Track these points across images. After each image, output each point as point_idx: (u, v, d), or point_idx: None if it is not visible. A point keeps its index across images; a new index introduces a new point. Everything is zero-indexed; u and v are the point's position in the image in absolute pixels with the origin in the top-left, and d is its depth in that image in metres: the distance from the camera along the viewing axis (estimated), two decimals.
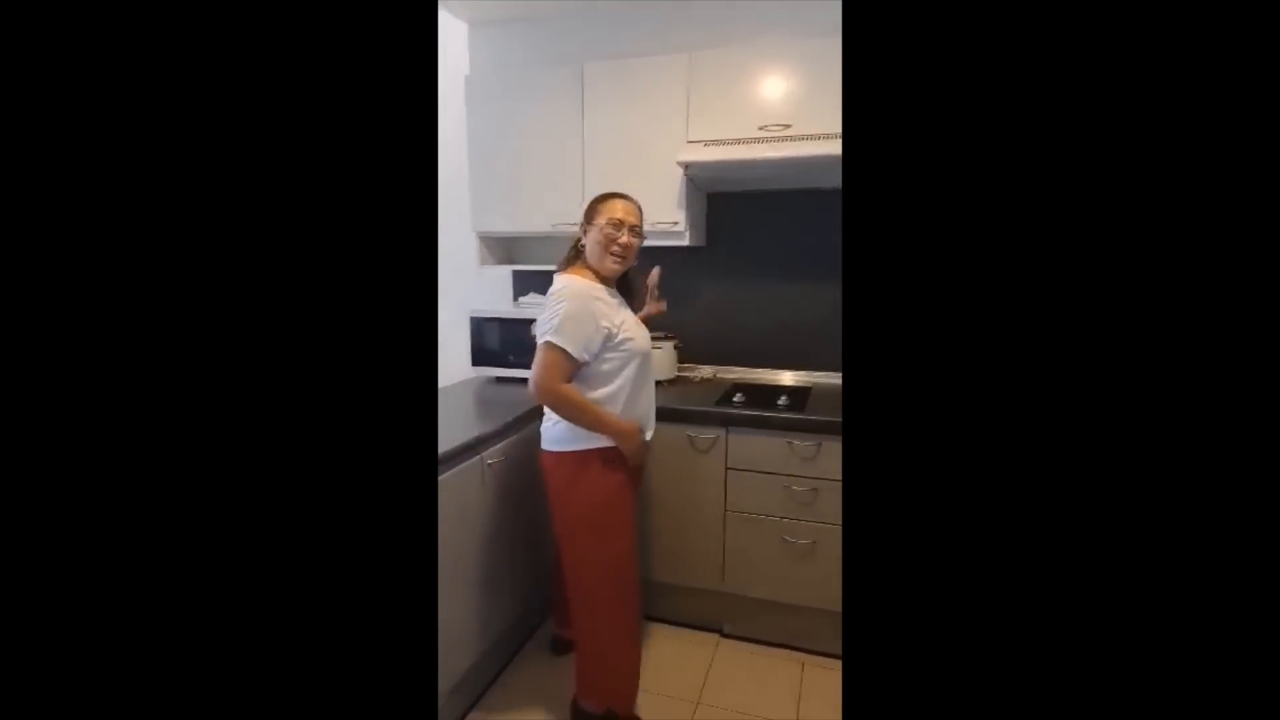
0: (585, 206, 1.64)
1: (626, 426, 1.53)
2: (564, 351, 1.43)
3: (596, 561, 1.59)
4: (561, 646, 2.00)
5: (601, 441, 1.53)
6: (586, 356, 1.47)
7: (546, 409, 1.57)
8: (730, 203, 2.41)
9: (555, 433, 1.58)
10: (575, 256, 1.61)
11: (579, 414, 1.49)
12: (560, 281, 1.54)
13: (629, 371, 1.54)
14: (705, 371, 2.48)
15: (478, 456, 1.71)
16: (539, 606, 2.11)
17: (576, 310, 1.46)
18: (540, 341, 1.45)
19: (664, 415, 2.01)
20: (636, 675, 1.69)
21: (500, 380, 2.44)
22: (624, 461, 1.57)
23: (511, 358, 2.39)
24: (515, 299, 2.70)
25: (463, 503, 1.67)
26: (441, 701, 1.62)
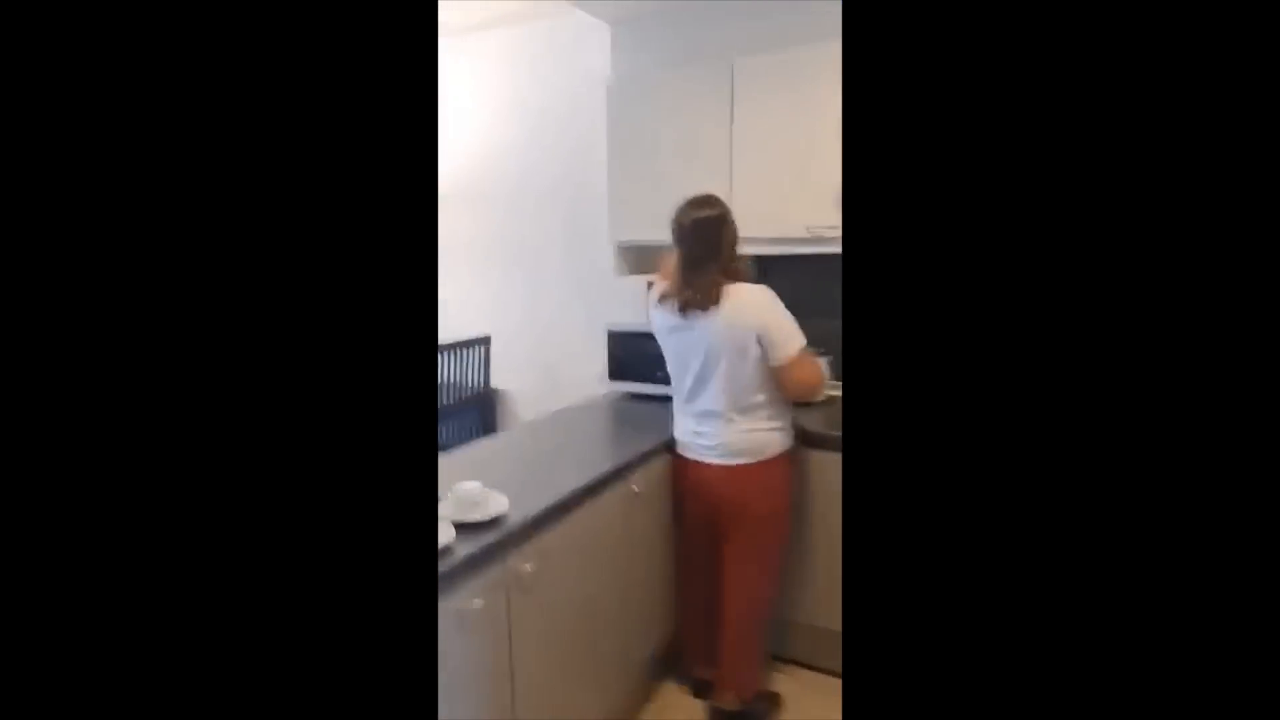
0: (726, 211, 1.60)
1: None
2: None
3: (781, 550, 1.74)
4: (701, 688, 1.84)
5: (789, 438, 1.68)
6: None
7: (719, 422, 1.61)
8: None
9: (757, 441, 1.61)
10: (734, 262, 1.60)
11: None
12: (762, 290, 1.56)
13: None
14: None
15: (624, 483, 1.59)
16: (672, 644, 1.96)
17: (787, 312, 1.56)
18: (796, 350, 1.53)
19: (821, 442, 1.81)
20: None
21: (636, 397, 2.32)
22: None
23: (649, 373, 2.27)
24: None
25: (610, 534, 1.56)
26: None
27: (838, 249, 1.99)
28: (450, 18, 2.84)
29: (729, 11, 2.23)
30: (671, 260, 1.66)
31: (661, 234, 2.22)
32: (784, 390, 1.59)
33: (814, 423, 1.88)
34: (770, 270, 1.67)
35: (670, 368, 1.70)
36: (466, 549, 1.12)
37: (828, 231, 1.96)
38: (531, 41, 2.87)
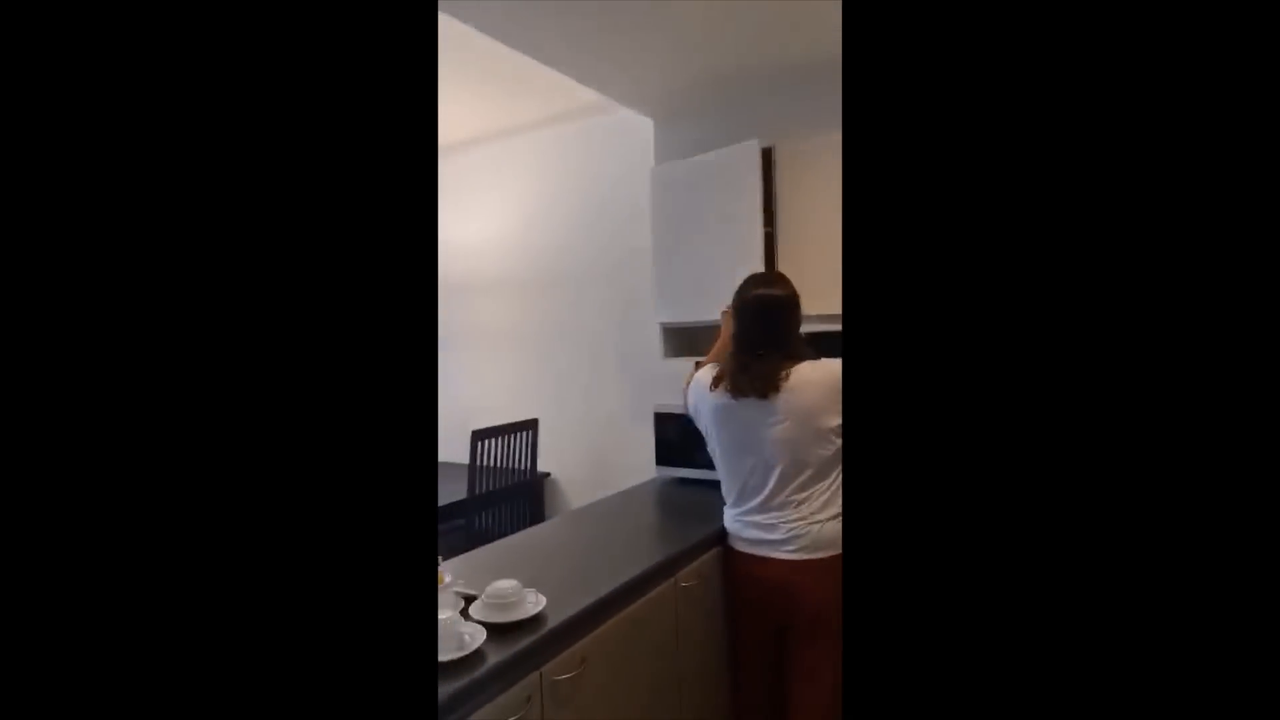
0: (794, 293, 1.52)
1: None
2: None
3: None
4: None
5: None
6: None
7: (791, 511, 1.46)
8: None
9: (839, 529, 1.44)
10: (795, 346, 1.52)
11: None
12: (824, 364, 1.47)
13: None
14: None
15: (672, 578, 1.48)
16: None
17: None
18: None
19: None
20: None
21: (684, 481, 2.23)
22: None
23: (698, 457, 2.19)
24: None
25: (657, 635, 1.44)
26: None
27: None
28: (501, 119, 3.00)
29: (767, 99, 2.28)
30: (728, 327, 1.59)
31: (706, 314, 2.21)
32: None
33: None
34: (820, 347, 1.59)
35: (721, 455, 1.58)
36: (498, 655, 1.04)
37: None
38: (579, 137, 3.00)
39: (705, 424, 1.61)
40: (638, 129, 2.65)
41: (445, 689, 0.94)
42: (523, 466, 2.85)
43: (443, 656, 1.00)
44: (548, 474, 3.14)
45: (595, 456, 3.03)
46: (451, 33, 1.84)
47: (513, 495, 2.82)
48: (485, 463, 2.64)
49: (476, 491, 2.61)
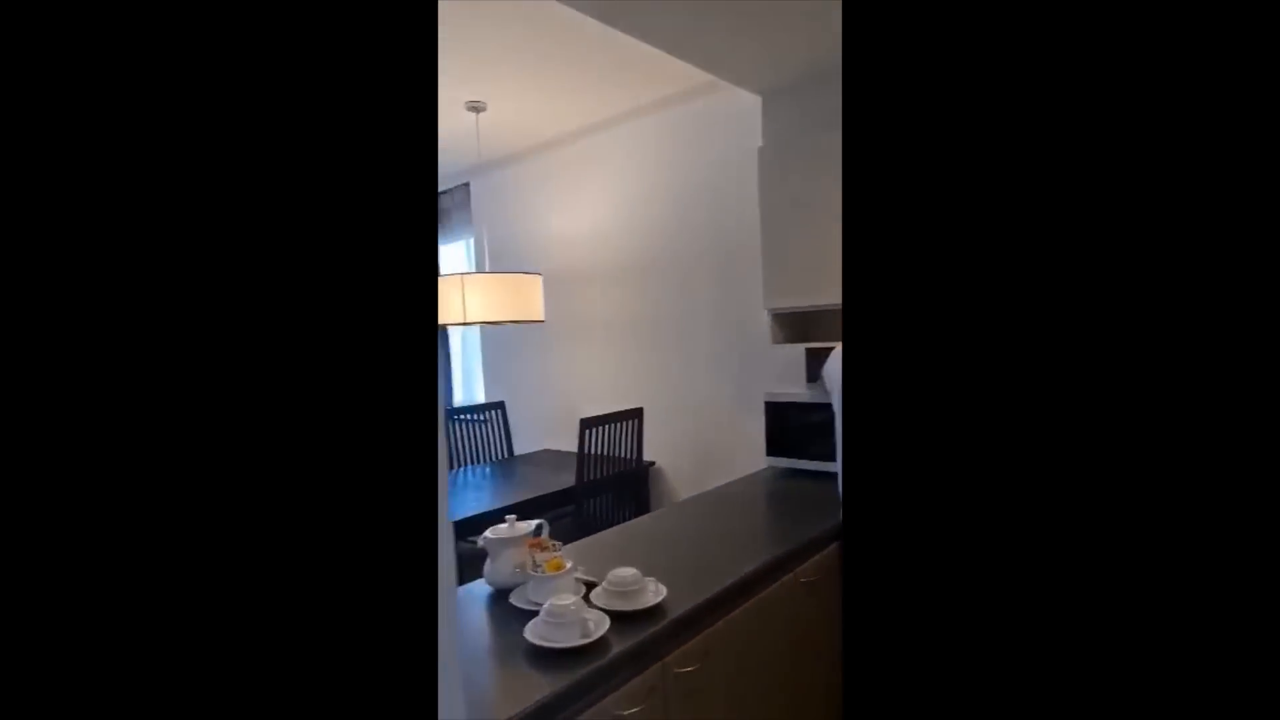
0: None
1: None
2: None
3: None
4: None
5: None
6: None
7: None
8: None
9: None
10: None
11: None
12: None
13: None
14: None
15: (791, 574, 1.42)
16: None
17: None
18: None
19: None
20: None
21: (797, 473, 2.15)
22: None
23: (811, 448, 2.10)
24: (809, 380, 2.43)
25: (778, 631, 1.39)
26: None
27: None
28: (604, 109, 3.00)
29: None
30: None
31: (818, 299, 2.12)
32: None
33: None
34: None
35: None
36: (621, 644, 1.03)
37: None
38: (681, 121, 2.95)
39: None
40: (742, 110, 2.58)
41: (571, 676, 0.94)
42: (628, 455, 2.86)
43: (568, 643, 0.99)
44: (652, 463, 3.13)
45: (701, 446, 2.99)
46: (554, 23, 1.84)
47: (618, 484, 2.83)
48: (592, 451, 2.67)
49: (585, 479, 2.64)
